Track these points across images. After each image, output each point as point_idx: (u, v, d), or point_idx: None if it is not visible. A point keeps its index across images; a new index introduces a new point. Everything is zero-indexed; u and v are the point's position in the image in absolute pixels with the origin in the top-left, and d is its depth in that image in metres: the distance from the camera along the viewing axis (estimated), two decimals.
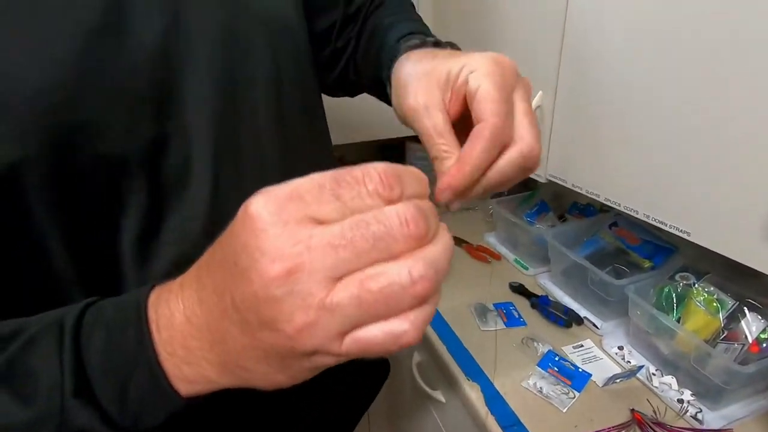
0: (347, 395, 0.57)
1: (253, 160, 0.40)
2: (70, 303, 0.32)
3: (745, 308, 0.66)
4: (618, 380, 0.72)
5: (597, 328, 0.85)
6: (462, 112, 0.33)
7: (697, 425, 0.65)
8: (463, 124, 0.33)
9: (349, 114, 1.00)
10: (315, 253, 0.19)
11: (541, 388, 0.73)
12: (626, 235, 0.94)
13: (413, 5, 0.58)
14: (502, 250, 1.14)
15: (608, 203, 0.76)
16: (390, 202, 0.20)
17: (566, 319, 0.87)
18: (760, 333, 0.64)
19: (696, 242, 0.62)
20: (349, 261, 0.19)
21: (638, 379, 0.74)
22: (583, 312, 0.89)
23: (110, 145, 0.31)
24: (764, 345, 0.64)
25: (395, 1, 0.55)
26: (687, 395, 0.69)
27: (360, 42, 0.53)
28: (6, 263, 0.30)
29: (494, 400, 0.72)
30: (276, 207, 0.20)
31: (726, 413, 0.67)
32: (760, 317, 0.65)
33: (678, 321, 0.71)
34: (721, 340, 0.66)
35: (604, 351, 0.81)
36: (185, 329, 0.24)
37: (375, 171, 0.20)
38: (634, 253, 0.91)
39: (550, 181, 0.90)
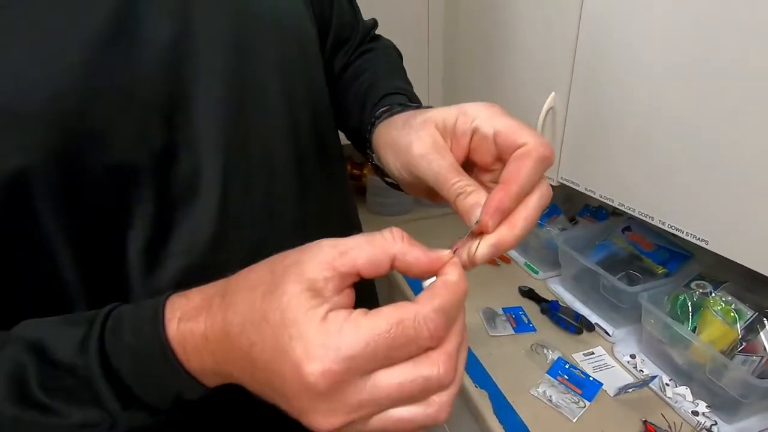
0: None
1: (263, 170, 0.39)
2: (73, 310, 0.32)
3: (764, 319, 0.65)
4: (630, 390, 0.70)
5: (608, 335, 0.84)
6: (464, 159, 0.32)
7: None
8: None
9: None
10: (364, 411, 0.22)
11: (550, 396, 0.72)
12: (640, 240, 0.92)
13: (400, 57, 0.59)
14: (512, 253, 1.12)
15: (622, 208, 0.74)
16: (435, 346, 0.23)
17: (577, 326, 0.85)
18: None
19: (714, 251, 0.60)
20: (391, 407, 0.23)
21: (651, 389, 0.72)
22: (594, 318, 0.88)
23: (119, 154, 0.31)
24: None
25: (383, 54, 0.56)
26: (702, 407, 0.67)
27: (343, 77, 0.53)
28: (11, 269, 0.30)
29: (503, 409, 0.71)
30: (332, 380, 0.21)
31: (742, 426, 0.65)
32: None
33: (693, 331, 0.69)
34: (739, 351, 0.64)
35: (615, 359, 0.79)
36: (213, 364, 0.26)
37: (427, 329, 0.22)
38: (648, 259, 0.89)
39: (562, 184, 0.88)
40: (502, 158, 0.30)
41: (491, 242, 0.27)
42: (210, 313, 0.25)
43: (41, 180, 0.28)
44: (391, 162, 0.35)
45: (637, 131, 0.69)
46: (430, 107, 0.37)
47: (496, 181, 0.30)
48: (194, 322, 0.26)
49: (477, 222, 0.27)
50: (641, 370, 0.76)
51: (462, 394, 0.78)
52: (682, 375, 0.71)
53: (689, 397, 0.69)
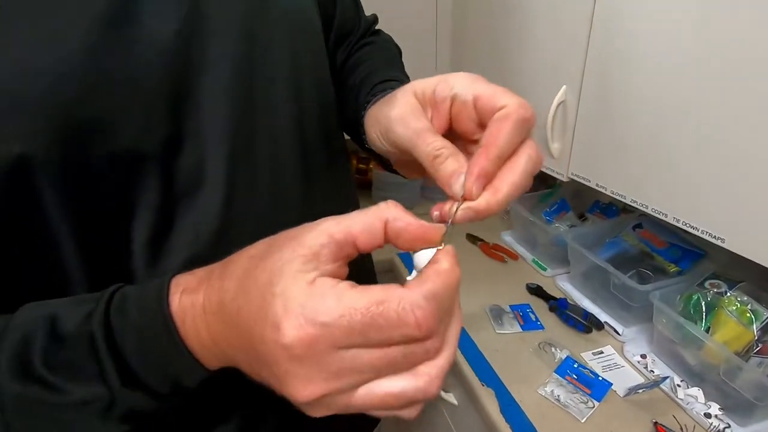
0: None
1: (268, 163, 0.39)
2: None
3: None
4: (641, 390, 0.69)
5: (618, 334, 0.82)
6: (443, 133, 0.31)
7: None
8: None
9: None
10: (344, 380, 0.22)
11: (558, 396, 0.71)
12: (651, 238, 0.90)
13: (399, 52, 0.59)
14: (520, 249, 1.11)
15: (634, 205, 0.72)
16: (424, 340, 0.22)
17: (586, 324, 0.84)
18: None
19: (731, 249, 0.58)
20: (374, 378, 0.22)
21: (662, 390, 0.71)
22: (603, 317, 0.86)
23: (124, 142, 0.30)
24: None
25: (381, 47, 0.57)
26: (714, 409, 0.65)
27: (343, 69, 0.53)
28: (14, 258, 0.30)
29: (509, 408, 0.70)
30: (306, 345, 0.21)
31: (757, 429, 0.63)
32: None
33: (707, 331, 0.67)
34: (755, 353, 0.62)
35: (625, 359, 0.78)
36: (210, 341, 0.26)
37: (413, 315, 0.21)
38: (660, 257, 0.87)
39: (572, 179, 0.86)
40: (483, 124, 0.29)
41: (474, 207, 0.27)
42: (209, 285, 0.25)
43: (45, 168, 0.28)
44: (374, 133, 0.34)
45: (651, 126, 0.67)
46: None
47: None
48: (195, 294, 0.26)
49: (462, 193, 0.27)
50: (652, 371, 0.74)
51: (468, 392, 0.77)
52: (695, 376, 0.70)
53: (701, 399, 0.67)
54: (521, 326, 0.87)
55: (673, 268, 0.85)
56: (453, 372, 0.84)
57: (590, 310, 0.87)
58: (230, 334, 0.24)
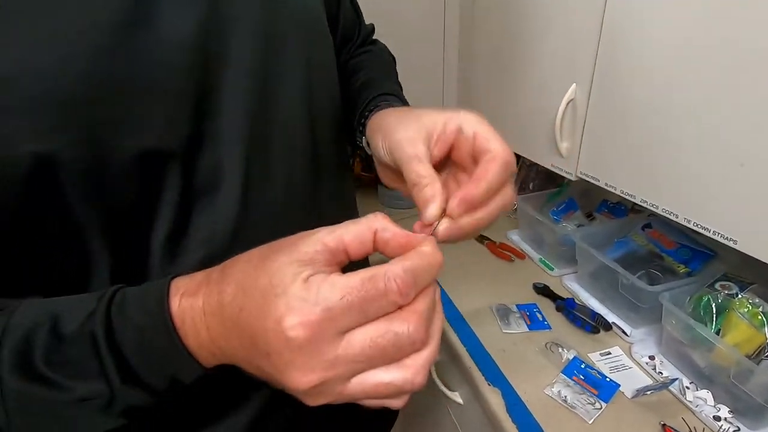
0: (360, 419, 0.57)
1: (282, 162, 0.39)
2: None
3: None
4: (649, 392, 0.68)
5: (626, 335, 0.81)
6: (443, 158, 0.35)
7: None
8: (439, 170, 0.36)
9: None
10: (339, 369, 0.23)
11: (565, 396, 0.70)
12: (660, 238, 0.89)
13: (394, 61, 0.64)
14: (526, 248, 1.10)
15: (644, 205, 0.71)
16: (404, 304, 0.24)
17: (593, 325, 0.83)
18: None
19: (743, 251, 0.57)
20: (366, 368, 0.24)
21: (670, 392, 0.70)
22: (611, 317, 0.85)
23: (148, 141, 0.31)
24: None
25: (379, 57, 0.61)
26: (724, 412, 0.65)
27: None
28: (37, 253, 0.31)
29: (516, 408, 0.69)
30: (309, 332, 0.22)
31: None
32: None
33: (717, 333, 0.66)
34: (767, 356, 0.61)
35: (633, 360, 0.77)
36: (209, 339, 0.27)
37: (395, 284, 0.23)
38: (669, 258, 0.86)
39: (581, 179, 0.86)
40: (475, 159, 0.33)
41: (453, 224, 0.31)
42: (208, 288, 0.27)
43: (68, 166, 0.28)
44: (380, 143, 0.37)
45: (662, 125, 0.66)
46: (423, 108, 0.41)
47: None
48: (194, 297, 0.27)
49: (432, 217, 0.31)
50: (660, 372, 0.73)
51: (474, 391, 0.77)
52: (704, 378, 0.69)
53: (711, 402, 0.66)
54: (528, 326, 0.86)
55: (682, 269, 0.84)
56: (459, 371, 0.84)
57: (598, 311, 0.86)
58: (230, 334, 0.26)
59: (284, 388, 0.25)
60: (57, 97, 0.27)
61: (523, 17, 0.94)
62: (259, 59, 0.36)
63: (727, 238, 0.59)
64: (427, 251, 0.26)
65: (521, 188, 1.32)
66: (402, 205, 1.34)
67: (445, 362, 0.93)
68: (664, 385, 0.69)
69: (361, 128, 0.45)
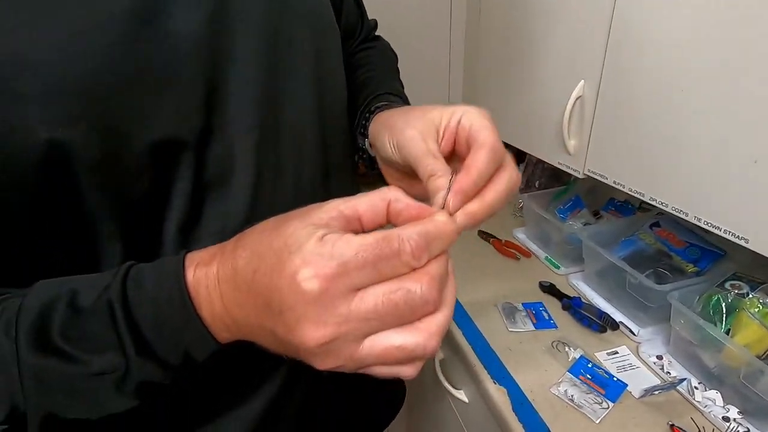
0: (362, 416, 0.57)
1: (292, 155, 0.40)
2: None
3: None
4: (657, 392, 0.68)
5: (634, 334, 0.81)
6: (451, 151, 0.36)
7: None
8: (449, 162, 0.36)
9: None
10: (351, 325, 0.23)
11: (572, 396, 0.70)
12: (669, 237, 0.88)
13: (396, 59, 0.63)
14: (532, 246, 1.09)
15: (653, 203, 0.71)
16: (417, 267, 0.24)
17: (600, 324, 0.82)
18: None
19: (755, 250, 0.56)
20: (378, 327, 0.24)
21: (679, 392, 0.69)
22: (618, 316, 0.84)
23: (161, 132, 0.31)
24: None
25: (381, 53, 0.61)
26: (733, 413, 0.64)
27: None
28: (51, 241, 0.31)
29: (522, 407, 0.69)
30: (324, 284, 0.22)
31: None
32: None
33: (727, 333, 0.65)
34: None
35: (641, 359, 0.76)
36: (223, 310, 0.27)
37: (409, 245, 0.24)
38: (678, 257, 0.85)
39: (588, 176, 0.85)
40: (469, 148, 0.34)
41: (465, 210, 0.30)
42: (223, 256, 0.27)
43: (83, 155, 0.29)
44: (387, 140, 0.37)
45: (671, 122, 0.65)
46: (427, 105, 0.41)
47: None
48: (208, 266, 0.27)
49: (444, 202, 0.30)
50: (668, 372, 0.73)
51: (479, 390, 0.77)
52: (713, 379, 0.68)
53: (720, 402, 0.66)
54: (534, 324, 0.86)
55: (691, 269, 0.83)
56: (464, 369, 0.83)
57: (605, 310, 0.86)
58: (244, 299, 0.26)
59: (296, 351, 0.25)
60: (74, 87, 0.27)
61: (530, 13, 0.93)
62: (267, 53, 0.37)
63: (738, 237, 0.58)
64: (440, 220, 0.26)
65: (527, 186, 1.31)
66: None
67: (450, 360, 0.92)
68: (673, 385, 0.68)
69: (362, 130, 0.45)
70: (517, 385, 0.73)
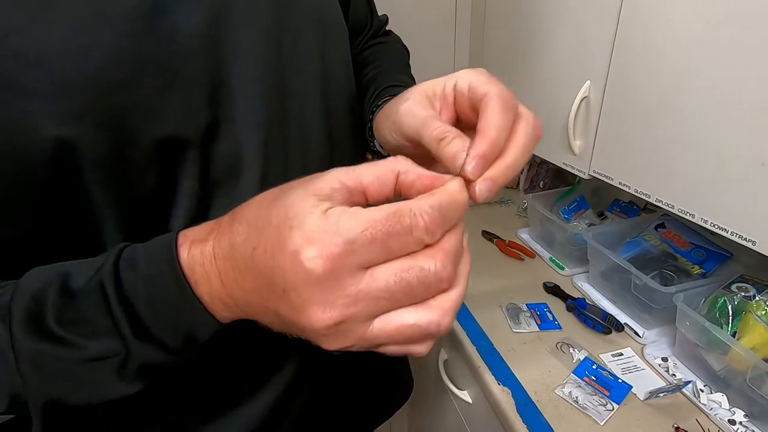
0: (364, 411, 0.57)
1: (300, 152, 0.39)
2: None
3: None
4: (662, 394, 0.67)
5: (639, 336, 0.80)
6: (454, 122, 0.33)
7: None
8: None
9: None
10: (361, 305, 0.22)
11: (576, 397, 0.69)
12: (674, 238, 0.88)
13: (407, 54, 0.61)
14: (536, 247, 1.09)
15: (659, 204, 0.70)
16: (430, 243, 0.23)
17: (605, 325, 0.82)
18: None
19: (763, 252, 0.56)
20: (390, 306, 0.23)
21: (684, 394, 0.69)
22: (623, 318, 0.84)
23: (167, 128, 0.31)
24: None
25: (391, 48, 0.59)
26: (739, 416, 0.64)
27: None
28: (58, 239, 0.31)
29: (526, 408, 0.69)
30: (329, 264, 0.21)
31: None
32: None
33: (733, 335, 0.65)
34: None
35: (646, 361, 0.76)
36: (222, 288, 0.26)
37: (422, 220, 0.22)
38: (683, 258, 0.85)
39: (593, 177, 0.84)
40: (476, 111, 0.30)
41: (485, 177, 0.27)
42: (219, 232, 0.26)
43: (89, 151, 0.28)
44: (386, 127, 0.35)
45: (680, 123, 0.65)
46: None
47: None
48: (204, 243, 0.26)
49: (462, 169, 0.27)
50: (673, 374, 0.72)
51: (483, 390, 0.77)
52: (719, 381, 0.68)
53: (725, 405, 0.65)
54: (538, 325, 0.85)
55: (696, 270, 0.83)
56: (468, 370, 0.83)
57: (609, 311, 0.85)
58: (244, 277, 0.24)
59: (302, 332, 0.24)
60: (80, 83, 0.27)
61: (535, 13, 0.93)
62: (272, 50, 0.36)
63: (745, 239, 0.58)
64: (453, 188, 0.24)
65: (531, 186, 1.31)
66: None
67: (454, 360, 0.92)
68: (678, 387, 0.68)
69: (370, 133, 0.43)
70: (521, 386, 0.72)
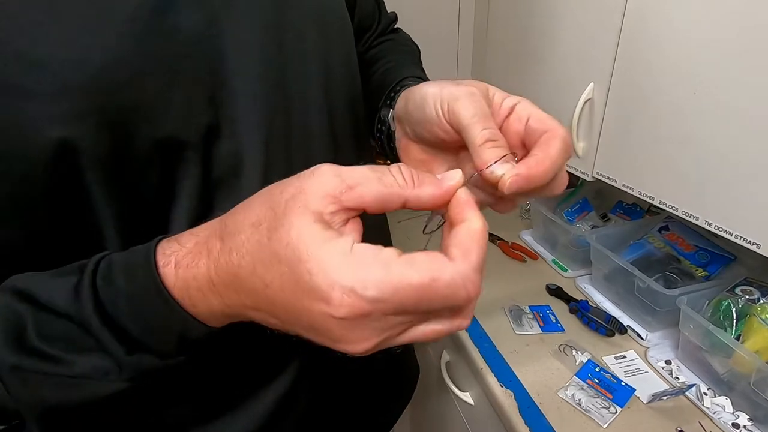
0: (369, 410, 0.57)
1: (302, 152, 0.39)
2: None
3: None
4: (665, 397, 0.67)
5: (642, 339, 0.80)
6: None
7: None
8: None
9: None
10: (396, 330, 0.23)
11: (579, 400, 0.69)
12: (678, 241, 0.88)
13: (418, 50, 0.59)
14: (539, 249, 1.09)
15: (663, 206, 0.70)
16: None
17: (608, 327, 0.82)
18: None
19: (767, 255, 0.56)
20: (420, 320, 0.24)
21: (687, 397, 0.69)
22: (626, 320, 0.84)
23: (167, 129, 0.31)
24: None
25: (402, 45, 0.58)
26: (743, 419, 0.63)
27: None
28: (58, 240, 0.31)
29: (529, 410, 0.69)
30: (361, 315, 0.21)
31: None
32: None
33: (737, 339, 0.65)
34: None
35: (649, 364, 0.76)
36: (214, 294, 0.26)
37: (465, 290, 0.22)
38: (687, 261, 0.85)
39: (597, 179, 0.84)
40: (525, 143, 0.31)
41: (522, 173, 0.27)
42: (211, 258, 0.25)
43: (90, 152, 0.28)
44: (431, 99, 0.32)
45: (684, 125, 0.65)
46: None
47: None
48: (195, 268, 0.25)
49: (499, 178, 0.28)
50: (677, 377, 0.72)
51: (486, 393, 0.77)
52: (723, 385, 0.67)
53: (729, 409, 0.65)
54: (541, 327, 0.85)
55: (700, 273, 0.82)
56: (470, 372, 0.83)
57: (612, 314, 0.85)
58: (257, 304, 0.24)
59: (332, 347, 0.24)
60: (81, 84, 0.27)
61: (539, 15, 0.93)
62: (273, 50, 0.36)
63: (750, 242, 0.58)
64: (478, 229, 0.24)
65: None
66: None
67: (456, 362, 0.92)
68: (681, 390, 0.68)
69: (389, 101, 0.41)
70: (524, 388, 0.72)
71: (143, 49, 0.29)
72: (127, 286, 0.26)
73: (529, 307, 0.90)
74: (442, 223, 0.27)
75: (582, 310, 0.86)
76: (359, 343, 0.23)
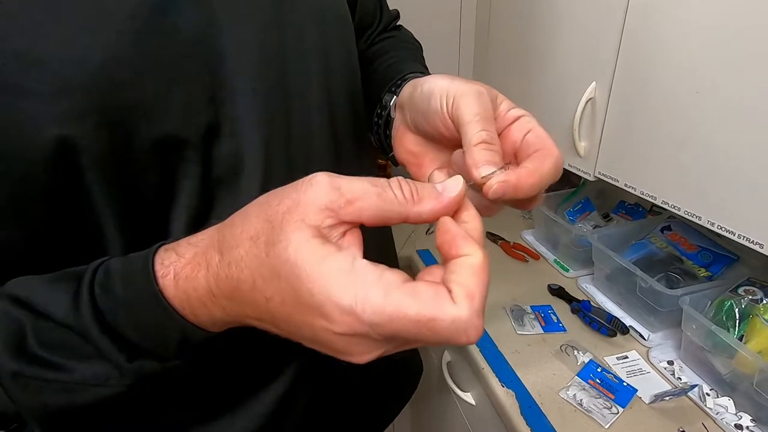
0: (372, 406, 0.57)
1: (303, 150, 0.39)
2: None
3: None
4: (667, 398, 0.67)
5: (644, 339, 0.80)
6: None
7: None
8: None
9: None
10: (398, 341, 0.23)
11: (581, 400, 0.69)
12: (681, 241, 0.87)
13: (420, 48, 0.59)
14: (541, 249, 1.09)
15: (666, 206, 0.70)
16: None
17: (610, 327, 0.82)
18: None
19: None
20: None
21: (689, 398, 0.68)
22: (628, 321, 0.84)
23: (166, 129, 0.31)
24: None
25: (404, 41, 0.57)
26: (746, 420, 0.63)
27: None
28: (59, 240, 0.31)
29: (530, 410, 0.68)
30: (360, 335, 0.22)
31: None
32: None
33: (740, 339, 0.65)
34: None
35: (651, 365, 0.76)
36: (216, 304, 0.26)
37: (466, 335, 0.21)
38: (689, 261, 0.84)
39: (599, 179, 0.84)
40: (518, 155, 0.31)
41: (509, 180, 0.28)
42: (210, 271, 0.25)
43: (89, 151, 0.28)
44: (437, 90, 0.32)
45: (687, 125, 0.64)
46: None
47: None
48: (195, 280, 0.25)
49: (482, 177, 0.28)
50: (679, 378, 0.72)
51: (487, 393, 0.76)
52: (725, 385, 0.67)
53: (732, 409, 0.65)
54: (543, 327, 0.85)
55: (703, 273, 0.82)
56: (472, 372, 0.83)
57: (614, 314, 0.85)
58: (260, 315, 0.25)
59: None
60: (81, 83, 0.27)
61: (540, 14, 0.92)
62: (272, 48, 0.36)
63: (753, 242, 0.57)
64: (478, 264, 0.23)
65: None
66: None
67: (458, 362, 0.92)
68: (684, 391, 0.67)
69: (393, 88, 0.41)
70: (525, 389, 0.72)
71: (143, 48, 0.29)
72: (125, 295, 0.26)
73: (530, 307, 0.90)
74: None
75: (584, 310, 0.86)
76: (360, 355, 0.23)
